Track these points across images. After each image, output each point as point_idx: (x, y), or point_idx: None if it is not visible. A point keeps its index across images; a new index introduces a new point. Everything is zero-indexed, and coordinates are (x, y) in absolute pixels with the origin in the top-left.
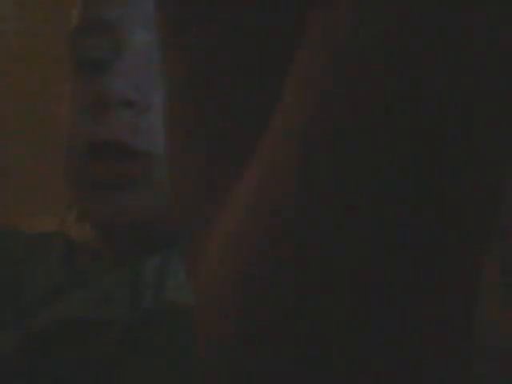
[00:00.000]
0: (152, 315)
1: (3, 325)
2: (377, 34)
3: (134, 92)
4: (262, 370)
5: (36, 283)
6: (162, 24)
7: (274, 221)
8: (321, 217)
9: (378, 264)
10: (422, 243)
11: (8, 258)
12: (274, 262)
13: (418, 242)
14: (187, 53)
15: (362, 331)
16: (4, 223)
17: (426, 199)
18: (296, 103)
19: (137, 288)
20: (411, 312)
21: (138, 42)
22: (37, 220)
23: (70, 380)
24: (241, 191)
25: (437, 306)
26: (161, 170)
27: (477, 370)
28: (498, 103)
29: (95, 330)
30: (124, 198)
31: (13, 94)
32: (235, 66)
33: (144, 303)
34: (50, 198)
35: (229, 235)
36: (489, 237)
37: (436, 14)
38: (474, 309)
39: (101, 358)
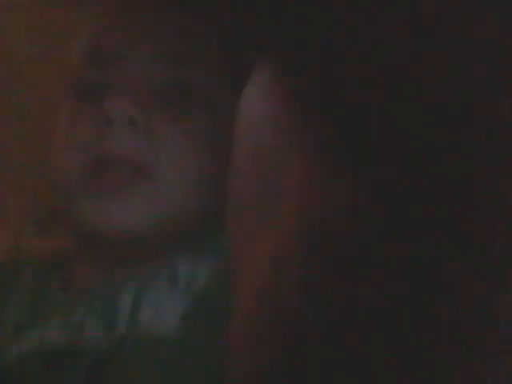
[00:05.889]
0: (126, 344)
1: None
2: None
3: (136, 110)
4: None
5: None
6: None
7: None
8: None
9: None
10: None
11: None
12: None
13: None
14: None
15: None
16: None
17: None
18: None
19: (110, 316)
20: None
21: (135, 70)
22: None
23: None
24: None
25: None
26: (159, 187)
27: None
28: None
29: (68, 360)
30: (121, 210)
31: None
32: None
33: (117, 332)
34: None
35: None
36: None
37: None
38: None
39: None
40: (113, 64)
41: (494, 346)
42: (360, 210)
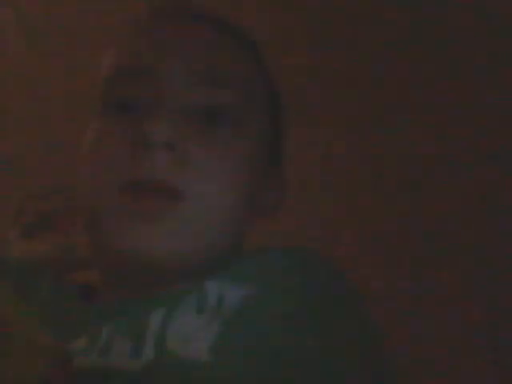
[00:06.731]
0: (153, 367)
1: None
2: None
3: (175, 135)
4: None
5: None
6: None
7: None
8: None
9: None
10: None
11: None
12: None
13: None
14: None
15: None
16: None
17: None
18: None
19: (138, 339)
20: None
21: (176, 93)
22: None
23: None
24: None
25: None
26: (193, 214)
27: None
28: None
29: (96, 380)
30: (157, 238)
31: None
32: None
33: (145, 355)
34: None
35: None
36: None
37: None
38: None
39: None
40: (147, 82)
41: None
42: None
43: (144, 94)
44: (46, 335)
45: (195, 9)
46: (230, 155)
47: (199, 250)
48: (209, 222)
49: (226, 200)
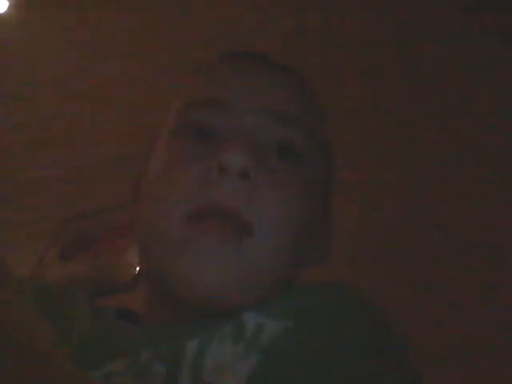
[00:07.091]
0: None
1: None
2: None
3: (250, 164)
4: None
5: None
6: None
7: None
8: None
9: None
10: None
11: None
12: None
13: None
14: None
15: None
16: None
17: None
18: None
19: (174, 365)
20: None
21: (251, 127)
22: (12, 259)
23: None
24: None
25: None
26: (258, 252)
27: None
28: None
29: None
30: (218, 272)
31: None
32: None
33: (181, 381)
34: (27, 238)
35: None
36: None
37: None
38: None
39: None
40: (224, 115)
41: None
42: None
43: (220, 125)
44: (72, 364)
45: (268, 55)
46: (296, 196)
47: (255, 289)
48: (268, 263)
49: (287, 243)
